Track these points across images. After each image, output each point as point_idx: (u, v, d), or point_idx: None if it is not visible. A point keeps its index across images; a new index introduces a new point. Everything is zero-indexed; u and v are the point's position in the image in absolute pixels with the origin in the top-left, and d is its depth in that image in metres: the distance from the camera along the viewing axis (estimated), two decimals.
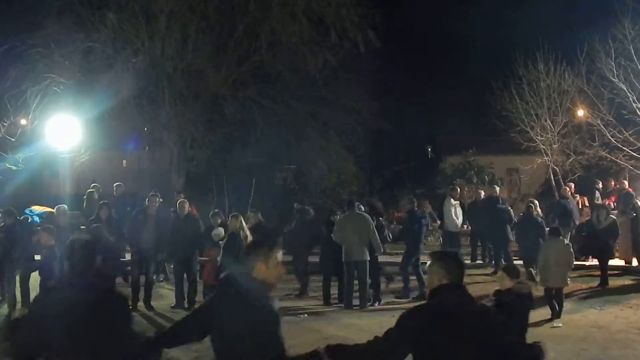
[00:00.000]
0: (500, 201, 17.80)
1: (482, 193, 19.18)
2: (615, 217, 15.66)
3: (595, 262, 17.46)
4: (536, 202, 15.87)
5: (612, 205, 18.23)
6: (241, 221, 12.58)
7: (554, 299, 12.23)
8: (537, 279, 13.09)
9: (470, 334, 4.05)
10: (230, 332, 4.38)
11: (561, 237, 12.88)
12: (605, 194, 19.36)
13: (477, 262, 18.11)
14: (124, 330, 4.65)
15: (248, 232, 12.55)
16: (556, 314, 11.98)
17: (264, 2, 24.81)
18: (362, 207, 14.26)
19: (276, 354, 4.39)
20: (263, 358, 4.37)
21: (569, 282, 12.62)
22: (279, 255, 4.66)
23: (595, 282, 14.91)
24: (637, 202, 17.41)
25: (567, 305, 12.72)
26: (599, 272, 15.72)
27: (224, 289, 4.69)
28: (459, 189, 19.87)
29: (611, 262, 17.15)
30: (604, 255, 15.18)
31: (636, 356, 9.42)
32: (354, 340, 10.13)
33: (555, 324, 11.34)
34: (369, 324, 11.37)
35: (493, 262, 17.10)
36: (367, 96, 26.80)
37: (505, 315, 6.12)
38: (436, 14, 42.49)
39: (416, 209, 15.35)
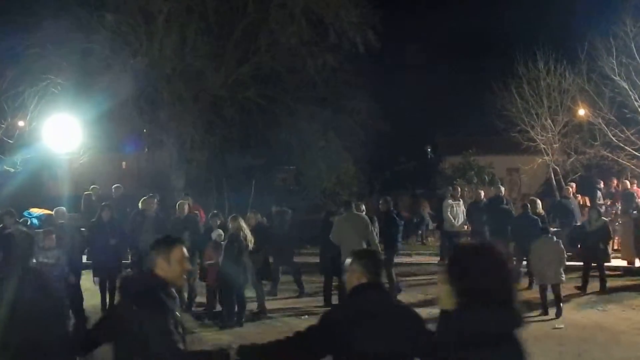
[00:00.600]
0: (505, 201, 17.81)
1: (482, 193, 19.17)
2: (605, 220, 15.62)
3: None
4: (538, 201, 15.84)
5: (618, 205, 18.28)
6: (240, 222, 12.60)
7: (555, 298, 12.45)
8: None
9: (386, 332, 4.13)
10: (129, 332, 4.35)
11: (550, 235, 13.18)
12: (608, 194, 19.38)
13: None
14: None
15: (248, 233, 12.58)
16: (558, 314, 12.20)
17: (263, 3, 24.82)
18: (363, 207, 14.23)
19: (167, 350, 4.34)
20: (159, 356, 4.34)
21: (563, 278, 12.65)
22: (182, 252, 4.61)
23: (596, 283, 14.83)
24: (639, 202, 17.43)
25: (568, 306, 12.86)
26: (597, 274, 15.80)
27: (123, 288, 4.73)
28: (458, 189, 19.88)
29: (614, 263, 17.28)
30: (597, 259, 15.12)
31: (639, 357, 9.41)
32: None
33: (557, 325, 11.40)
34: None
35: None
36: (366, 97, 26.82)
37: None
38: (436, 14, 42.61)
39: (392, 209, 15.64)
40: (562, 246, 12.98)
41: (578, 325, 11.36)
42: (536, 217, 14.84)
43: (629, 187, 18.04)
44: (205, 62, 24.81)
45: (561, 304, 12.33)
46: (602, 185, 20.00)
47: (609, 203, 18.83)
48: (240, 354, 4.46)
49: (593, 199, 19.16)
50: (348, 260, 4.53)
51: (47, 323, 4.85)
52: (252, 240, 12.63)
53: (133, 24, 24.90)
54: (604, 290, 14.17)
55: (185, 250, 4.70)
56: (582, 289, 14.36)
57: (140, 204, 14.72)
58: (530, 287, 14.61)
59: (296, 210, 19.33)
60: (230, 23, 25.07)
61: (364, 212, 13.68)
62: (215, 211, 15.31)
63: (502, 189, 19.13)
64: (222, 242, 12.54)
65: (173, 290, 4.66)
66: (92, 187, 19.33)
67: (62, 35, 23.72)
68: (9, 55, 22.96)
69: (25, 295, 4.94)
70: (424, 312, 12.38)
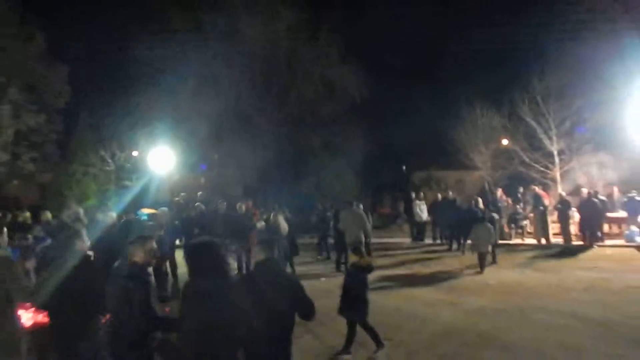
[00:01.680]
0: (455, 201, 17.93)
1: (440, 196, 19.23)
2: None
3: (517, 240, 17.64)
4: (480, 199, 15.93)
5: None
6: (279, 217, 12.58)
7: (482, 259, 12.86)
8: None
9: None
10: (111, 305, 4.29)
11: (486, 224, 13.23)
12: (523, 197, 19.42)
13: (437, 242, 18.14)
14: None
15: (283, 223, 12.47)
16: (483, 270, 12.69)
17: (293, 70, 25.11)
18: (361, 206, 14.03)
19: (148, 316, 4.22)
20: (136, 321, 4.17)
21: (490, 249, 13.11)
22: (152, 245, 4.51)
23: (517, 255, 14.96)
24: (544, 201, 17.51)
25: (496, 269, 12.94)
26: (521, 247, 16.24)
27: (114, 273, 4.54)
28: (422, 194, 19.98)
29: (527, 241, 17.35)
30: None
31: (545, 302, 9.45)
32: None
33: (489, 282, 11.38)
34: None
35: (457, 242, 16.75)
36: (361, 131, 26.97)
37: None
38: (409, 81, 42.31)
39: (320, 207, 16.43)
40: (493, 231, 13.20)
41: (504, 282, 11.31)
42: (477, 210, 15.01)
43: (537, 191, 18.07)
44: (253, 110, 25.09)
45: (485, 263, 12.81)
46: (522, 189, 20.04)
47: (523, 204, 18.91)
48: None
49: (515, 199, 19.23)
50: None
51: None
52: (286, 229, 12.57)
53: (207, 86, 25.23)
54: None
55: (154, 244, 4.58)
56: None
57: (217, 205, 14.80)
58: (463, 253, 15.23)
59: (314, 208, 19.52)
60: (270, 83, 25.33)
61: (361, 209, 13.60)
62: (262, 209, 15.46)
63: (450, 193, 19.31)
64: (262, 226, 12.42)
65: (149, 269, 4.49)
66: (181, 194, 19.49)
67: (161, 95, 24.23)
68: (126, 111, 23.40)
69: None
70: (400, 271, 12.43)
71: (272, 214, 13.02)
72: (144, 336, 4.28)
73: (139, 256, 4.37)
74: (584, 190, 17.41)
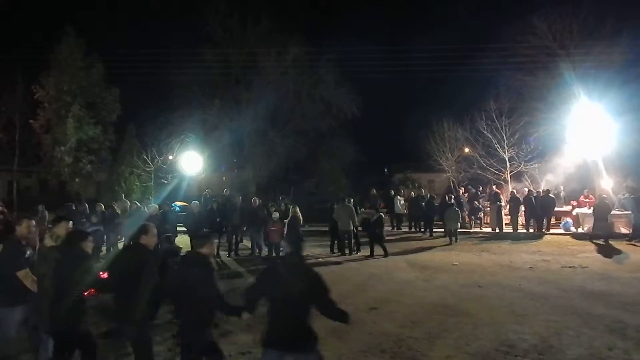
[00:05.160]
0: (429, 197, 17.92)
1: (414, 193, 19.24)
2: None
3: (476, 229, 17.60)
4: (452, 195, 16.17)
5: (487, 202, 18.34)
6: (296, 208, 12.41)
7: (453, 235, 14.18)
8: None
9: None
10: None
11: (455, 208, 14.47)
12: (483, 194, 19.39)
13: (412, 230, 18.12)
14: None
15: (299, 214, 12.38)
16: (453, 242, 14.10)
17: (298, 93, 25.13)
18: (351, 200, 13.90)
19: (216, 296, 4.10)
20: (214, 299, 4.06)
21: (459, 225, 14.60)
22: (154, 230, 4.45)
23: (476, 241, 14.87)
24: (502, 198, 17.46)
25: (459, 253, 12.86)
26: (479, 235, 16.22)
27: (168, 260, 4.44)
28: (402, 191, 20.00)
29: (485, 230, 17.30)
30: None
31: (498, 279, 9.45)
32: (345, 271, 10.05)
33: (454, 263, 11.36)
34: (350, 263, 11.62)
35: (427, 230, 16.97)
36: (352, 141, 27.03)
37: None
38: (395, 101, 42.37)
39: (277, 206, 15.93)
40: (459, 212, 14.72)
41: (466, 263, 11.29)
42: (451, 203, 15.32)
43: (496, 190, 18.05)
44: (266, 124, 25.08)
45: (457, 237, 14.01)
46: (481, 189, 20.03)
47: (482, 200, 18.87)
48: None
49: (475, 196, 19.21)
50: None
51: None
52: (301, 219, 12.44)
53: (230, 105, 25.29)
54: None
55: (155, 229, 4.49)
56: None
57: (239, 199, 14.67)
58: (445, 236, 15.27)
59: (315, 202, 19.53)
60: (280, 103, 25.27)
61: (351, 204, 13.51)
62: (272, 203, 15.41)
63: (423, 190, 19.30)
64: (276, 219, 12.14)
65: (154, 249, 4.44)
66: (207, 190, 19.46)
67: (192, 111, 24.17)
68: (164, 122, 23.41)
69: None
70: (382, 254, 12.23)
71: (291, 207, 12.79)
72: (212, 316, 4.17)
73: (206, 249, 4.22)
74: (525, 190, 17.46)
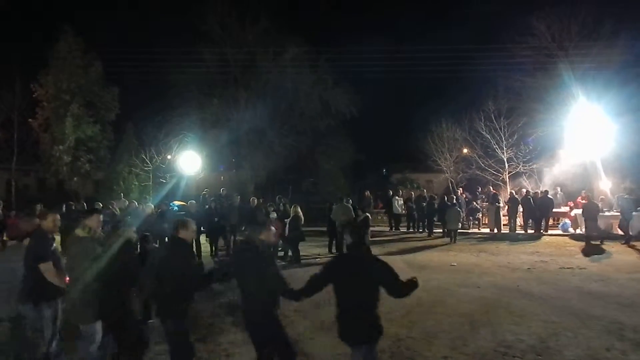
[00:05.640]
0: (428, 197, 17.95)
1: (413, 193, 19.26)
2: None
3: (474, 230, 17.60)
4: (453, 195, 16.24)
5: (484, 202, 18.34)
6: (298, 208, 12.32)
7: (451, 235, 14.30)
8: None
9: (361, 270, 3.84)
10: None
11: (457, 208, 14.46)
12: (481, 195, 19.40)
13: (410, 230, 18.11)
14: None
15: (301, 214, 12.30)
16: (451, 243, 14.11)
17: (298, 94, 25.11)
18: (351, 200, 13.93)
19: (280, 284, 4.13)
20: (272, 290, 4.07)
21: (460, 225, 14.70)
22: (193, 227, 4.52)
23: (474, 242, 14.86)
24: (500, 199, 17.46)
25: (457, 253, 12.86)
26: (477, 235, 16.16)
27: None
28: (400, 191, 20.01)
29: (483, 230, 17.30)
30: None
31: (496, 279, 9.45)
32: None
33: (452, 263, 11.36)
34: None
35: (426, 229, 17.18)
36: (350, 141, 27.04)
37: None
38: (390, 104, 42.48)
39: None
40: (460, 213, 14.93)
41: (464, 263, 11.30)
42: (453, 204, 15.37)
43: (492, 191, 18.05)
44: (265, 123, 25.04)
45: (456, 238, 13.98)
46: (480, 189, 20.04)
47: (480, 200, 18.88)
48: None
49: (474, 196, 19.23)
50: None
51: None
52: (302, 218, 12.31)
53: (229, 105, 25.22)
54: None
55: (194, 225, 4.55)
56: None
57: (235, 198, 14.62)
58: (443, 236, 15.52)
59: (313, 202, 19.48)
60: (279, 102, 25.24)
61: (350, 204, 13.52)
62: (270, 202, 15.37)
63: (425, 191, 19.32)
64: (274, 218, 11.95)
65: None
66: (205, 190, 19.47)
67: (190, 110, 24.15)
68: (163, 122, 23.38)
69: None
70: (381, 255, 12.45)
71: (292, 207, 12.70)
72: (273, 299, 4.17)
73: (183, 234, 4.36)
74: (524, 190, 17.48)
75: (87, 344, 4.40)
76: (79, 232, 4.59)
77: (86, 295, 4.33)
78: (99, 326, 4.47)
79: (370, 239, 15.36)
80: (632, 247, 13.13)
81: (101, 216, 4.91)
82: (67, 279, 4.54)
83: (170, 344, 4.29)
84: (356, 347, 3.72)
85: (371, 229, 18.71)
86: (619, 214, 14.90)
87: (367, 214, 12.96)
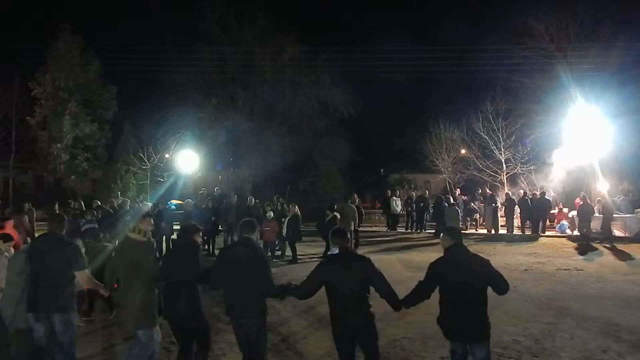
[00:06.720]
0: (424, 198, 17.96)
1: (414, 194, 19.28)
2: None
3: (472, 230, 17.57)
4: (450, 197, 16.21)
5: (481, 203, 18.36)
6: (296, 208, 12.26)
7: None
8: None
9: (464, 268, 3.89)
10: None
11: (456, 208, 14.43)
12: (479, 196, 19.39)
13: (409, 230, 18.10)
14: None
15: (299, 212, 12.21)
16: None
17: (296, 93, 25.08)
18: (356, 200, 13.78)
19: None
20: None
21: (460, 225, 14.57)
22: (199, 233, 4.60)
23: (471, 243, 14.56)
24: (497, 200, 17.45)
25: None
26: (475, 236, 16.07)
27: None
28: (397, 192, 20.00)
29: (480, 231, 17.28)
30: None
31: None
32: None
33: None
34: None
35: (419, 228, 17.36)
36: (348, 141, 27.00)
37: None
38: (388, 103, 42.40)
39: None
40: (459, 212, 15.07)
41: None
42: (452, 203, 15.41)
43: (489, 192, 18.03)
44: (263, 122, 25.04)
45: None
46: (480, 190, 20.04)
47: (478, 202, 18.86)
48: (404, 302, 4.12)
49: (472, 197, 19.21)
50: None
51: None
52: (301, 218, 12.14)
53: (227, 104, 25.19)
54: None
55: (200, 233, 4.62)
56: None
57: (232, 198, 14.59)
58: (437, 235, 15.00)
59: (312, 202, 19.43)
60: (277, 102, 25.23)
61: (355, 204, 13.37)
62: (267, 202, 15.33)
63: (426, 192, 19.41)
64: (270, 218, 11.98)
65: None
66: (202, 189, 19.44)
67: (188, 109, 24.11)
68: (161, 120, 23.34)
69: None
70: (379, 254, 12.33)
71: (290, 206, 12.61)
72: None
73: (195, 238, 4.52)
74: (521, 191, 17.48)
75: (144, 349, 4.27)
76: (134, 235, 4.41)
77: (149, 298, 4.25)
78: (157, 333, 4.37)
79: (368, 239, 15.45)
80: (629, 248, 13.11)
81: (151, 220, 4.76)
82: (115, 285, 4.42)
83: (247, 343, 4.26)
84: (462, 346, 3.82)
85: (368, 229, 18.85)
86: (618, 215, 14.95)
87: (335, 214, 11.89)
